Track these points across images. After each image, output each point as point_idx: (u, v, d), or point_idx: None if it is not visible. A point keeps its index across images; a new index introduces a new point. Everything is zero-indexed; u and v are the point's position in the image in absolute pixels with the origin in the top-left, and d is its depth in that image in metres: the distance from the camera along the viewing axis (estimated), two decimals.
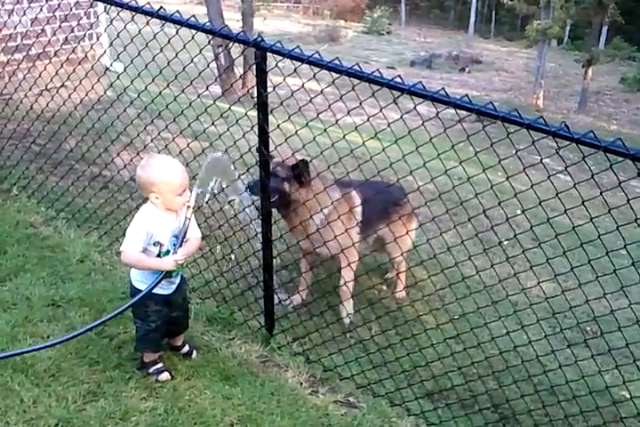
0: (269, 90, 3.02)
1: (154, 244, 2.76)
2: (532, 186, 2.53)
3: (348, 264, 3.67)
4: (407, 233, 3.87)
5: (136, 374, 3.01)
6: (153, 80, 3.64)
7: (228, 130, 3.39)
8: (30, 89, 4.72)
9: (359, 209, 4.03)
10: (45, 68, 4.60)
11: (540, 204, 2.57)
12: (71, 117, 4.51)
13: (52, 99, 4.45)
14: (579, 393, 2.97)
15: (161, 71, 3.42)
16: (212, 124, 3.44)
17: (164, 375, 2.99)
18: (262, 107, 3.06)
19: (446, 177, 2.80)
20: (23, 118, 4.82)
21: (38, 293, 3.48)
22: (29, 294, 3.45)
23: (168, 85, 3.54)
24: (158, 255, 2.78)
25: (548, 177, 2.55)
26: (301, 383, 3.25)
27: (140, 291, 2.80)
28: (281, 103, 3.02)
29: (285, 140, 3.14)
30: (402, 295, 4.46)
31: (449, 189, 2.81)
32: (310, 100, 2.89)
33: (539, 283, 2.76)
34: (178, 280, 2.95)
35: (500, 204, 2.73)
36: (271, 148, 3.15)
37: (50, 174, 4.69)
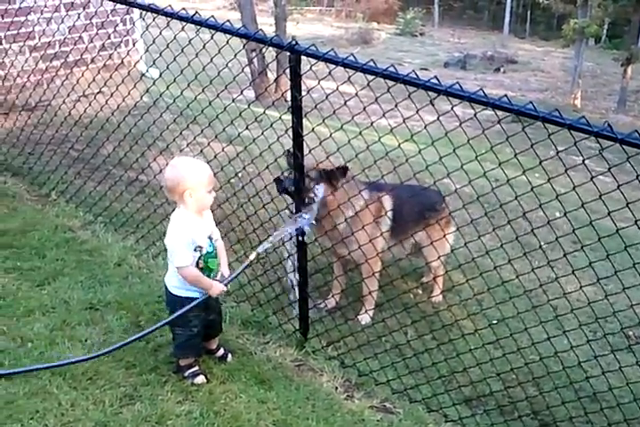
0: (303, 93, 3.00)
1: (194, 249, 2.78)
2: (573, 188, 2.47)
3: (372, 273, 3.64)
4: (444, 237, 3.81)
5: (172, 377, 3.02)
6: (188, 85, 3.67)
7: (262, 134, 3.40)
8: (68, 95, 4.80)
9: (390, 214, 3.97)
10: (83, 75, 4.69)
11: (582, 206, 2.50)
12: (108, 123, 4.59)
13: (90, 105, 4.52)
14: (622, 400, 2.88)
15: (196, 77, 3.44)
16: (247, 128, 3.45)
17: (200, 379, 2.99)
18: (297, 110, 3.05)
19: (484, 179, 2.75)
20: (61, 124, 4.91)
21: (76, 296, 3.52)
22: (67, 298, 3.50)
23: (203, 90, 3.56)
24: (199, 259, 2.80)
25: (591, 178, 2.47)
26: (336, 388, 3.22)
27: (179, 297, 2.85)
28: (315, 106, 3.01)
29: (320, 143, 3.12)
30: (438, 299, 4.40)
31: (487, 192, 2.76)
32: (345, 103, 2.87)
33: (580, 287, 2.68)
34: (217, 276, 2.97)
35: (540, 206, 2.67)
36: (305, 151, 3.14)
37: (87, 179, 4.76)
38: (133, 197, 4.61)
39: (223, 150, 3.75)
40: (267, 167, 3.38)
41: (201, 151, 3.90)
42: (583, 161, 2.50)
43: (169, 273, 2.92)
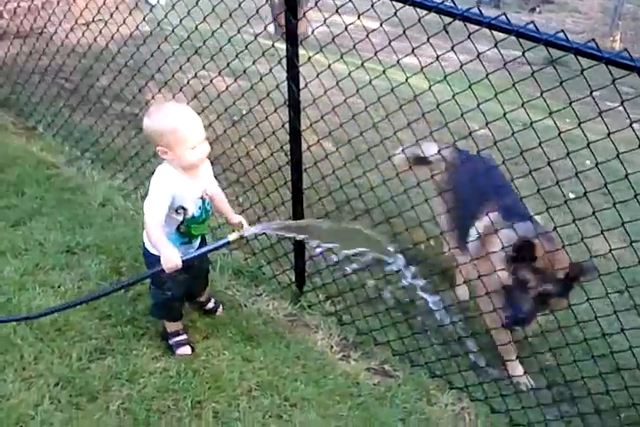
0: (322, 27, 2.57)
1: (177, 209, 2.37)
2: (608, 134, 2.06)
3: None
4: None
5: (150, 330, 2.75)
6: (204, 19, 3.17)
7: (270, 71, 2.97)
8: (60, 23, 4.35)
9: None
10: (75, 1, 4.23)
11: (617, 156, 2.10)
12: (106, 52, 4.12)
13: (83, 34, 4.06)
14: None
15: (214, 9, 3.00)
16: (254, 63, 3.05)
17: (184, 350, 2.67)
18: (291, 37, 2.63)
19: (506, 123, 2.34)
20: (56, 53, 4.46)
21: (53, 238, 3.23)
22: (43, 240, 3.20)
23: (222, 25, 3.06)
24: (181, 223, 2.42)
25: (630, 124, 2.08)
26: (331, 347, 2.94)
27: (153, 255, 2.40)
28: (333, 39, 2.56)
29: (337, 82, 2.68)
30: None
31: (508, 136, 2.35)
32: (367, 36, 2.43)
33: (610, 251, 2.30)
34: (197, 243, 2.60)
35: (568, 154, 2.26)
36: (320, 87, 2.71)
37: (78, 112, 4.38)
38: (126, 133, 4.20)
39: (227, 89, 3.26)
40: (275, 110, 2.94)
41: (203, 89, 3.39)
42: (622, 103, 2.08)
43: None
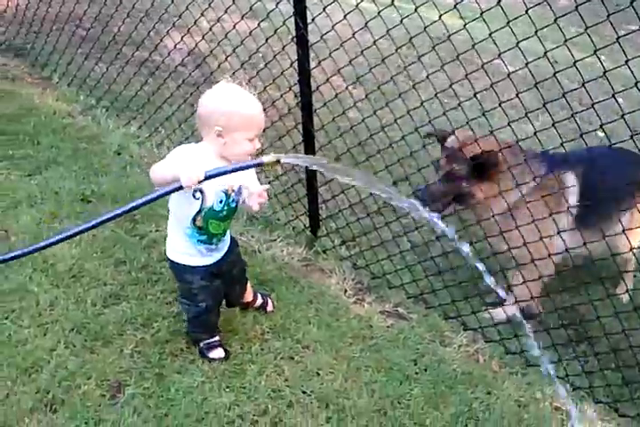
0: None
1: (194, 192, 2.06)
2: None
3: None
4: None
5: (164, 275, 2.78)
6: None
7: (277, 6, 2.85)
8: None
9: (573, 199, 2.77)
10: None
11: None
12: None
13: None
14: None
15: None
16: (277, 4, 2.92)
17: (217, 353, 2.41)
18: None
19: (546, 63, 2.21)
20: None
21: (68, 187, 3.25)
22: (58, 189, 3.23)
23: None
24: (198, 213, 2.14)
25: None
26: (345, 291, 2.94)
27: (175, 263, 2.27)
28: None
29: (366, 24, 2.56)
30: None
31: (549, 77, 2.22)
32: None
33: None
34: (224, 246, 2.33)
35: (614, 95, 2.10)
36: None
37: (92, 59, 4.33)
38: (140, 79, 4.16)
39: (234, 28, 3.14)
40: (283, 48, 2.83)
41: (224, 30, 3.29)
42: None
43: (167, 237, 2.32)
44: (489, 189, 2.67)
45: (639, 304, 2.43)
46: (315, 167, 2.21)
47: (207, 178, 1.89)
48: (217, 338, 2.43)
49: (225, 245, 2.33)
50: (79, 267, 2.74)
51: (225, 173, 1.94)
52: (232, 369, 2.38)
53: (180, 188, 1.88)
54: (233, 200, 2.18)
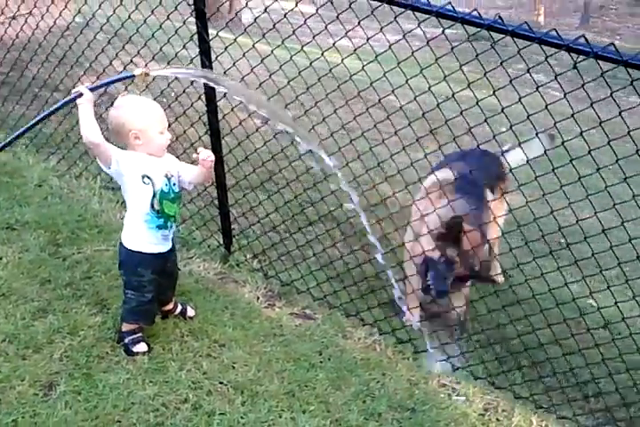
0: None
1: (143, 178, 2.49)
2: (519, 99, 2.36)
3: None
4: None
5: (87, 291, 3.01)
6: (137, 7, 3.39)
7: (184, 47, 3.24)
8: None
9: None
10: None
11: (527, 118, 2.43)
12: (37, 44, 4.31)
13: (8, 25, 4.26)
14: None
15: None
16: (184, 46, 3.30)
17: (141, 347, 2.68)
18: (199, 12, 2.89)
19: (431, 97, 2.64)
20: None
21: None
22: None
23: (153, 13, 3.35)
24: (153, 196, 2.52)
25: (537, 88, 2.40)
26: (258, 298, 3.26)
27: (134, 253, 2.58)
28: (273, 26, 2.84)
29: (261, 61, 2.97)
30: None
31: (432, 108, 2.67)
32: (305, 22, 2.78)
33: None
34: (171, 235, 2.68)
35: (485, 120, 2.56)
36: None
37: (11, 102, 4.57)
38: (58, 118, 4.41)
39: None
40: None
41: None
42: (528, 70, 2.41)
43: (123, 229, 2.65)
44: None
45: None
46: (188, 77, 2.72)
47: (92, 89, 2.46)
48: (140, 334, 2.70)
49: (171, 235, 2.68)
50: (7, 286, 2.94)
51: (102, 85, 2.62)
52: (155, 367, 2.63)
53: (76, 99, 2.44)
54: (174, 184, 2.60)
